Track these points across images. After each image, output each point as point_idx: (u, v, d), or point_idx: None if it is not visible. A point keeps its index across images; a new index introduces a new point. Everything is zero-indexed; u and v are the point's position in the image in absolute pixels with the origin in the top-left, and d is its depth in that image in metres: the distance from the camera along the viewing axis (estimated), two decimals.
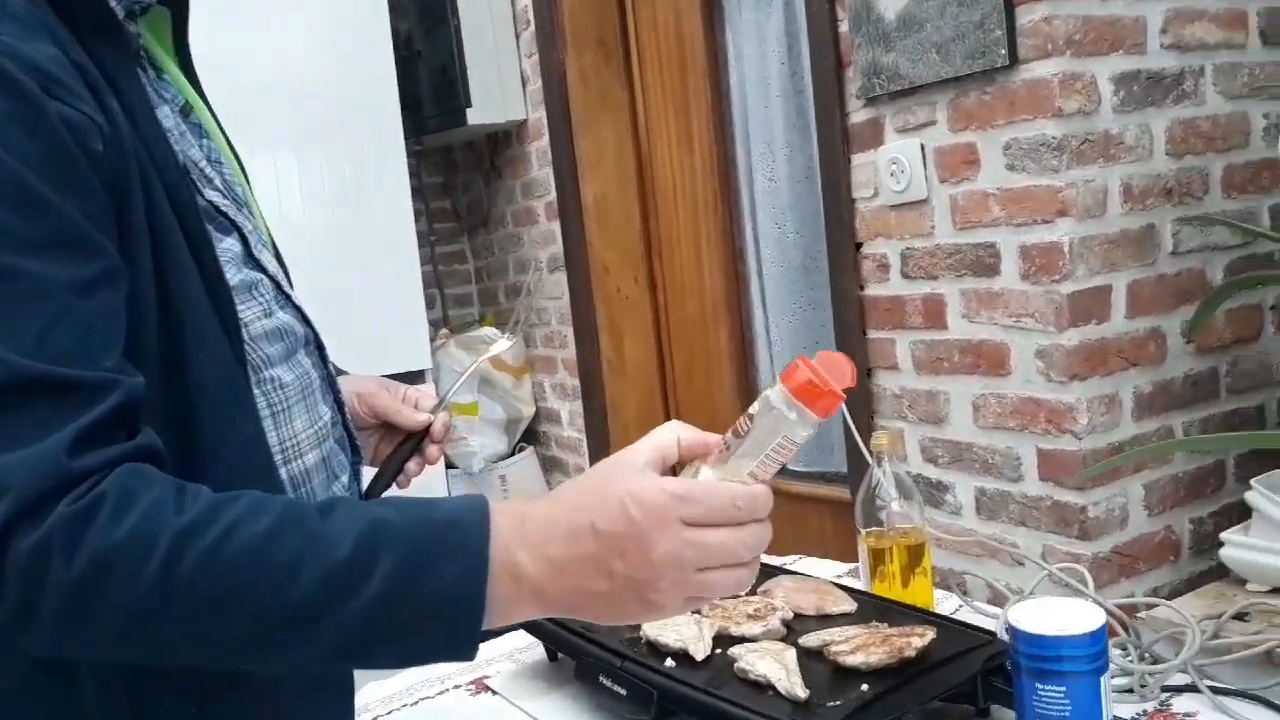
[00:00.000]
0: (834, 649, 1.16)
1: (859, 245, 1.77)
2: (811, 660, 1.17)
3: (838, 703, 1.07)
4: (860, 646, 1.16)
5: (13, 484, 0.57)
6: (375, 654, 0.64)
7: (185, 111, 0.82)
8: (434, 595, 0.61)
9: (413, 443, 1.04)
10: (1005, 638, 1.21)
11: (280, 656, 0.63)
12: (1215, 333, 1.57)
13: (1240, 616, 1.34)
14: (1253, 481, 1.43)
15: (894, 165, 1.65)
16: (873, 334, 1.77)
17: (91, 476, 0.59)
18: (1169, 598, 1.53)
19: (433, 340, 2.86)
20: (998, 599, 1.57)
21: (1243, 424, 1.60)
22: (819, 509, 2.27)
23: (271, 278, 0.82)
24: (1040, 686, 0.90)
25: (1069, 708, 0.89)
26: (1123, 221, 1.46)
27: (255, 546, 0.60)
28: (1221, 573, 1.59)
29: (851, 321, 1.79)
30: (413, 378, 2.42)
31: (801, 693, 1.09)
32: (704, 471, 0.66)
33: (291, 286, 0.89)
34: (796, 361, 0.64)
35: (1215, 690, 1.15)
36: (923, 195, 1.62)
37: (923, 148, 1.60)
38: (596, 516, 0.61)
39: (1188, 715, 1.13)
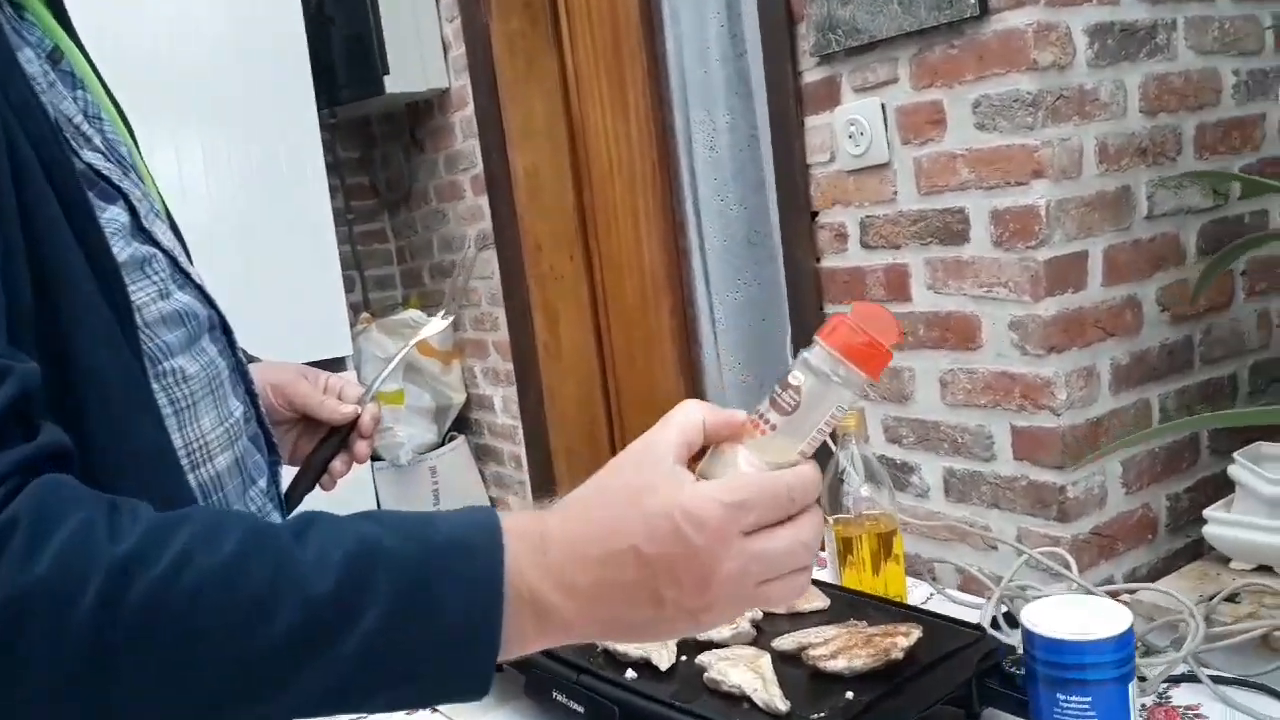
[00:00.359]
0: (813, 653, 1.06)
1: (814, 214, 1.66)
2: (788, 666, 1.07)
3: (822, 714, 0.97)
4: (842, 649, 1.06)
5: None
6: (367, 701, 0.53)
7: (54, 58, 0.69)
8: (439, 634, 0.51)
9: (338, 438, 0.93)
10: (1001, 635, 1.12)
11: (249, 714, 0.52)
12: (1189, 299, 1.50)
13: (1230, 598, 1.28)
14: (1236, 455, 1.36)
15: (852, 127, 1.54)
16: (830, 308, 1.67)
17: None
18: (1148, 579, 1.46)
19: (353, 325, 2.70)
20: (971, 586, 1.48)
21: (1216, 394, 1.54)
22: None
23: (167, 252, 0.71)
24: (1062, 697, 0.80)
25: (1094, 719, 0.79)
26: (1099, 183, 1.38)
27: (216, 579, 0.49)
28: (1197, 550, 1.53)
29: (806, 296, 1.68)
30: (333, 365, 2.25)
31: (781, 705, 0.98)
32: (741, 456, 0.56)
33: (190, 262, 0.77)
34: (837, 319, 0.55)
35: (1217, 680, 1.08)
36: (884, 159, 1.51)
37: (883, 107, 1.50)
38: (640, 539, 0.52)
39: (1189, 708, 1.05)
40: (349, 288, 2.93)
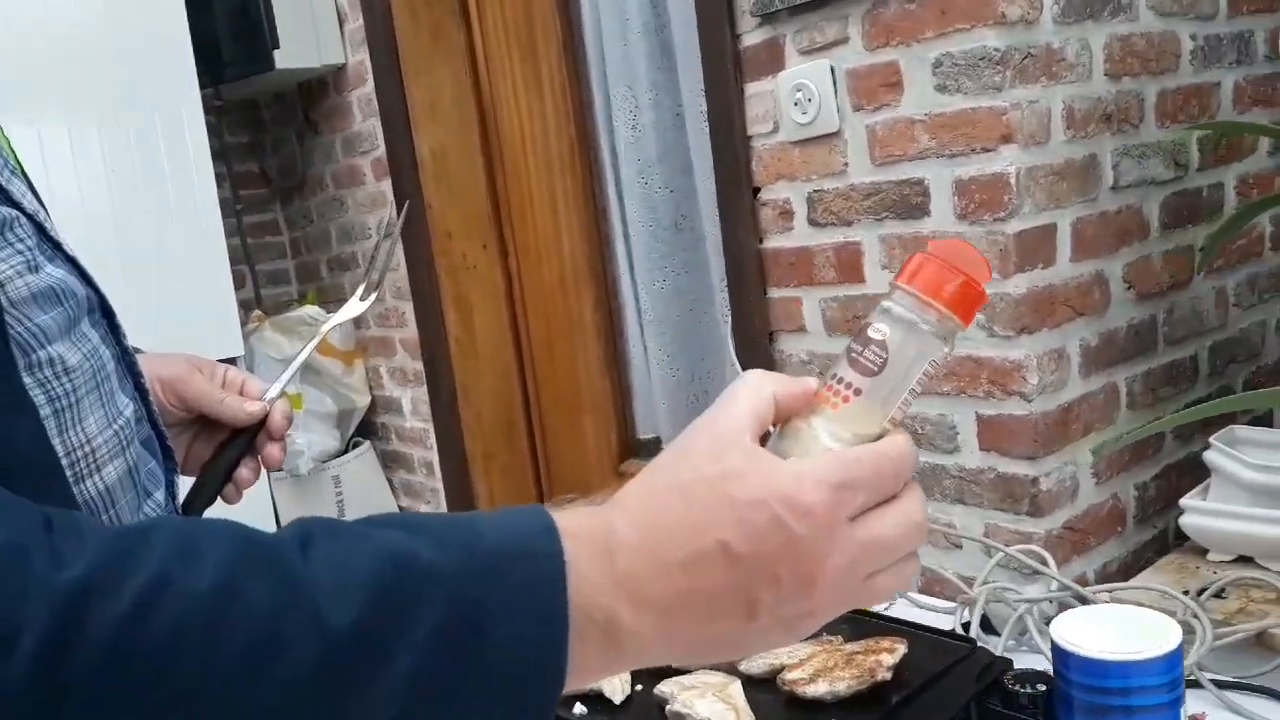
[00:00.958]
0: (789, 676, 0.94)
1: (756, 190, 1.53)
2: (761, 692, 0.94)
3: None
4: (821, 671, 0.94)
5: None
6: None
7: None
8: (489, 672, 0.40)
9: (242, 441, 0.80)
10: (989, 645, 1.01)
11: None
12: (1153, 276, 1.42)
13: (1218, 593, 1.19)
14: (1212, 440, 1.28)
15: (798, 93, 1.42)
16: (775, 293, 1.54)
17: None
18: (1119, 574, 1.37)
19: (244, 324, 2.48)
20: (934, 588, 1.37)
21: (1179, 376, 1.46)
22: None
23: (30, 216, 0.57)
24: None
25: None
26: (1067, 150, 1.28)
27: (200, 613, 0.37)
28: (1164, 542, 1.45)
29: (749, 280, 1.55)
30: None
31: None
32: (822, 430, 0.47)
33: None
34: (919, 257, 0.48)
35: (1220, 685, 0.99)
36: (833, 127, 1.39)
37: (833, 70, 1.38)
38: (731, 535, 0.43)
39: (1194, 717, 0.95)
40: (239, 284, 2.71)
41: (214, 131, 2.58)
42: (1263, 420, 1.57)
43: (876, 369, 0.47)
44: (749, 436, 0.45)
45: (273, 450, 0.81)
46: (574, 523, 0.44)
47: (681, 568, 0.43)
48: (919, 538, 0.46)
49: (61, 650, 0.35)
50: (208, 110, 2.32)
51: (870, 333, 0.47)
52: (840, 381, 0.48)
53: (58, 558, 0.37)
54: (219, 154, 2.70)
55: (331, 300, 2.77)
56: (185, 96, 2.22)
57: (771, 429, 0.48)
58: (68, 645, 0.35)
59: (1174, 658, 0.67)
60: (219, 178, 2.45)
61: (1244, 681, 1.00)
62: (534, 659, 0.41)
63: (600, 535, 0.43)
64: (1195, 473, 1.46)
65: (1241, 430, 1.33)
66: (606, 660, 0.43)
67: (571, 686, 0.42)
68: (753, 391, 0.47)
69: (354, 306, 0.94)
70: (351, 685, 0.38)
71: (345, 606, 0.38)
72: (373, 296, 0.92)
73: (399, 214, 1.04)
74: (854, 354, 0.48)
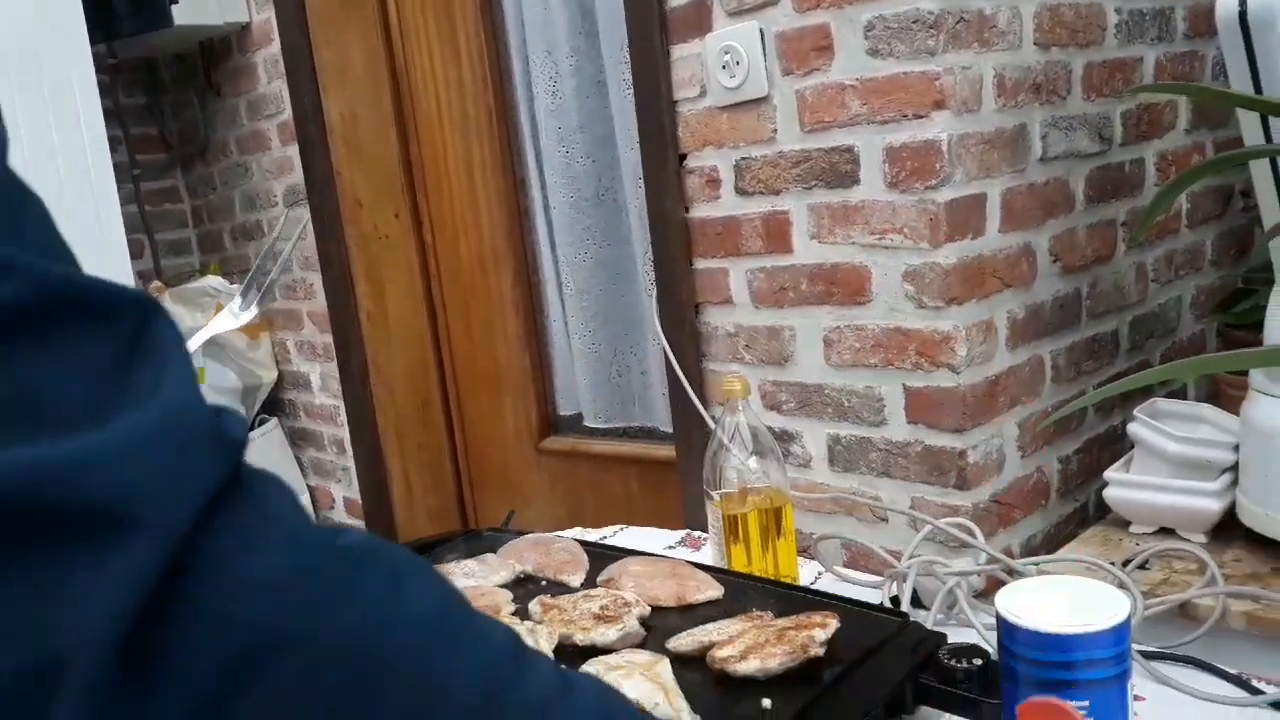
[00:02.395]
0: (719, 654, 0.90)
1: (683, 157, 1.48)
2: (690, 671, 0.91)
3: None
4: (752, 648, 0.91)
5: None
6: None
7: None
8: None
9: None
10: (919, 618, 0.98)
11: None
12: (1078, 249, 1.41)
13: (1141, 565, 1.19)
14: (1136, 412, 1.28)
15: (726, 56, 1.37)
16: (701, 264, 1.50)
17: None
18: (1044, 547, 1.37)
19: None
20: (859, 562, 1.36)
21: (1101, 351, 1.47)
22: (623, 469, 2.00)
23: None
24: None
25: None
26: (997, 119, 1.26)
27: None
28: (1084, 516, 1.46)
29: (675, 250, 1.51)
30: None
31: None
32: None
33: None
34: None
35: (1147, 655, 0.98)
36: (762, 92, 1.35)
37: (762, 33, 1.33)
38: None
39: None
40: (136, 254, 2.58)
41: (107, 92, 2.43)
42: (1177, 395, 1.59)
43: None
44: None
45: None
46: None
47: None
48: None
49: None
50: (100, 69, 2.18)
51: None
52: None
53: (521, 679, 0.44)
54: (113, 116, 2.56)
55: (235, 271, 2.65)
56: (75, 53, 2.07)
57: None
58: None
59: (1122, 629, 0.65)
60: (114, 141, 2.31)
61: (1168, 651, 1.00)
62: None
63: None
64: (1115, 446, 1.48)
65: (1163, 403, 1.34)
66: None
67: None
68: None
69: (225, 320, 0.86)
70: None
71: None
72: (250, 313, 0.85)
73: (297, 225, 0.96)
74: None
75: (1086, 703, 0.65)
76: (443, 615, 0.42)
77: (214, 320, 0.86)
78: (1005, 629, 0.68)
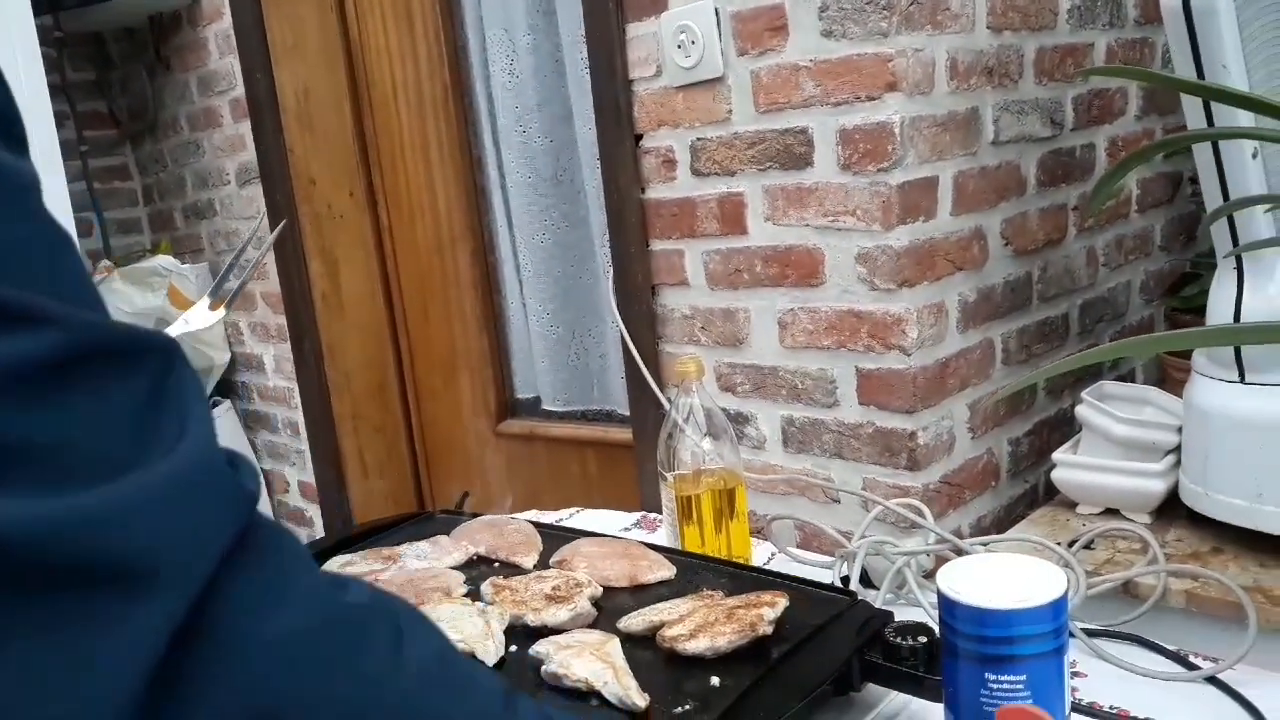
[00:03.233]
0: (669, 633, 0.90)
1: (639, 138, 1.48)
2: (641, 649, 0.91)
3: (688, 707, 0.81)
4: (701, 627, 0.91)
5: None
6: None
7: None
8: None
9: None
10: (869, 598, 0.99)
11: None
12: (1030, 233, 1.43)
13: (1086, 545, 1.21)
14: (1083, 395, 1.30)
15: (682, 35, 1.37)
16: (657, 245, 1.50)
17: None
18: (994, 528, 1.39)
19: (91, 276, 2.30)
20: (811, 543, 1.37)
21: (1051, 334, 1.48)
22: (580, 452, 2.00)
23: None
24: (991, 676, 0.66)
25: (1029, 700, 0.66)
26: (950, 102, 1.26)
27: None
28: (1034, 497, 1.48)
29: (630, 232, 1.50)
30: None
31: (639, 699, 0.83)
32: None
33: None
34: None
35: (1089, 633, 1.00)
36: (718, 72, 1.35)
37: (717, 12, 1.33)
38: None
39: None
40: (85, 232, 2.53)
41: (53, 66, 2.38)
42: (1125, 379, 1.61)
43: None
44: None
45: None
46: None
47: None
48: None
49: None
50: (45, 42, 2.14)
51: None
52: None
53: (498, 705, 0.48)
54: (59, 90, 2.50)
55: (187, 251, 2.60)
56: (17, 23, 2.02)
57: None
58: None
59: (1059, 605, 0.66)
60: (60, 117, 2.26)
61: (1111, 629, 1.02)
62: None
63: None
64: (1064, 429, 1.50)
65: (1110, 385, 1.36)
66: None
67: None
68: None
69: (202, 316, 0.85)
70: None
71: None
72: (222, 311, 0.83)
73: (273, 230, 0.95)
74: None
75: (1024, 677, 0.66)
76: (442, 666, 0.45)
77: (187, 313, 0.84)
78: (946, 605, 0.68)
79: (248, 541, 0.38)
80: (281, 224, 1.03)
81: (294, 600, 0.39)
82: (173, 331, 0.82)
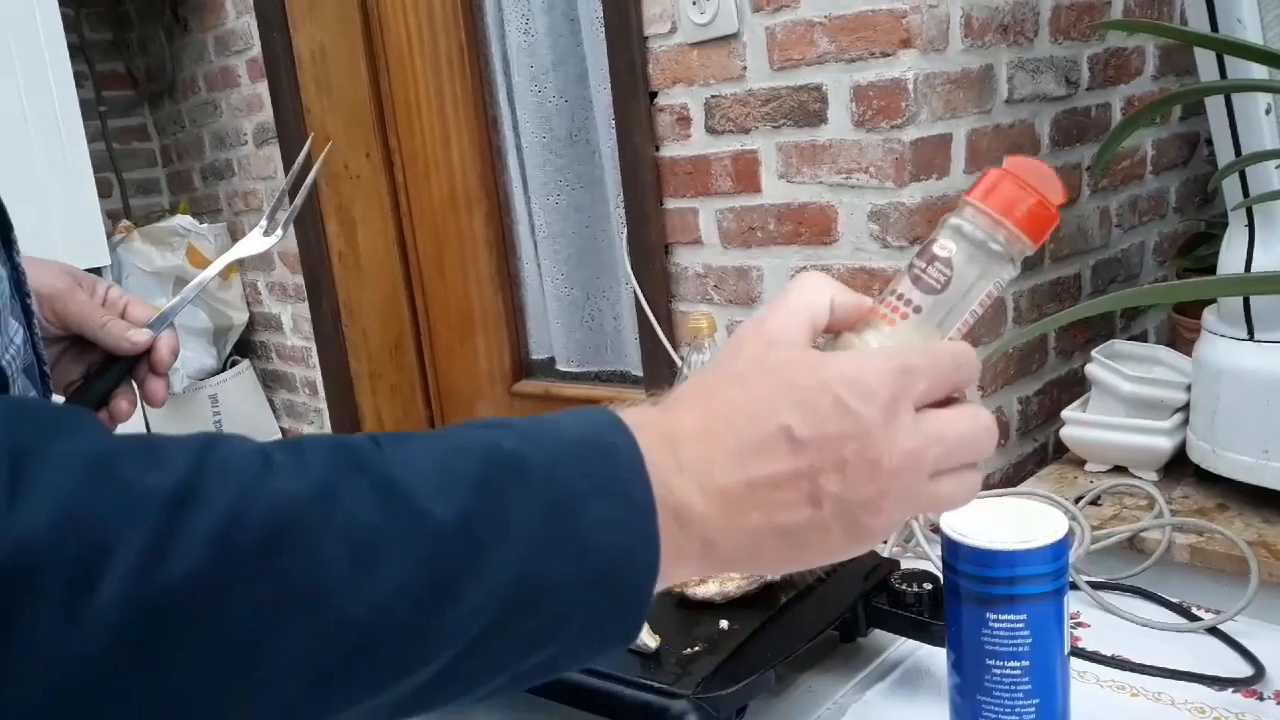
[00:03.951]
0: None
1: (653, 95, 1.48)
2: None
3: (697, 648, 0.83)
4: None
5: None
6: (483, 679, 0.39)
7: None
8: (589, 567, 0.38)
9: (119, 370, 0.72)
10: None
11: (333, 713, 0.36)
12: None
13: (1092, 501, 1.23)
14: (1094, 353, 1.31)
15: None
16: (671, 203, 1.50)
17: None
18: (1002, 484, 1.40)
19: (110, 235, 2.33)
20: None
21: (1063, 293, 1.49)
22: None
23: None
24: (992, 616, 0.68)
25: (1029, 640, 0.68)
26: (964, 59, 1.26)
27: (303, 514, 0.34)
28: (1043, 455, 1.49)
29: (645, 189, 1.51)
30: None
31: (650, 641, 0.85)
32: (872, 344, 0.45)
33: None
34: (993, 174, 0.46)
35: (1095, 585, 1.02)
36: (733, 29, 1.35)
37: None
38: (792, 418, 0.41)
39: (1069, 616, 0.98)
40: (104, 193, 2.55)
41: (72, 26, 2.39)
42: (1138, 339, 1.62)
43: (940, 286, 0.45)
44: (803, 339, 0.44)
45: (156, 386, 0.74)
46: (637, 417, 0.42)
47: (745, 454, 0.41)
48: (987, 442, 0.45)
49: (160, 559, 0.32)
50: (64, 2, 2.14)
51: (935, 249, 0.46)
52: (899, 298, 0.46)
53: (143, 466, 0.33)
54: (78, 50, 2.51)
55: (205, 211, 2.63)
56: None
57: (820, 339, 0.45)
58: (166, 553, 0.32)
59: (1060, 547, 0.68)
60: (79, 77, 2.27)
61: (1116, 582, 1.03)
62: (628, 546, 0.39)
63: (661, 426, 0.41)
64: (1075, 389, 1.50)
65: (1121, 344, 1.36)
66: (682, 553, 0.41)
67: (659, 584, 0.40)
68: (810, 298, 0.45)
69: (256, 242, 0.86)
70: (457, 580, 0.36)
71: (447, 501, 0.36)
72: (278, 235, 0.85)
73: (320, 153, 0.95)
74: (916, 270, 0.46)
75: (1024, 617, 0.68)
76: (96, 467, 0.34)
77: (241, 243, 0.86)
78: (949, 546, 0.70)
79: None
80: (329, 145, 1.03)
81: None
82: (228, 258, 0.85)
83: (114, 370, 0.72)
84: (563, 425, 0.41)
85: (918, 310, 0.46)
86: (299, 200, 0.84)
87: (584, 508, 0.38)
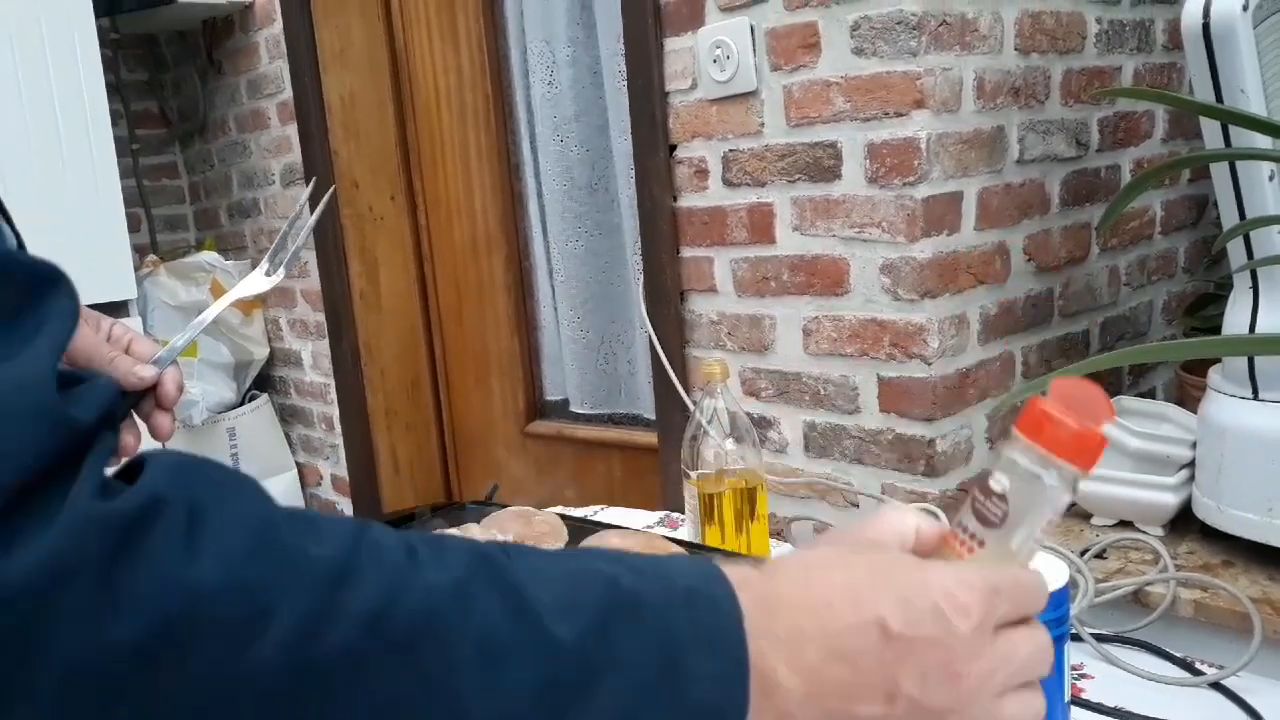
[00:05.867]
0: None
1: (673, 148, 1.52)
2: None
3: None
4: None
5: None
6: None
7: None
8: (686, 701, 0.40)
9: (125, 405, 0.74)
10: None
11: None
12: (1052, 250, 1.46)
13: (1098, 555, 1.24)
14: None
15: (717, 50, 1.42)
16: (687, 252, 1.54)
17: (105, 441, 0.35)
18: None
19: (138, 269, 2.38)
20: None
21: (1071, 349, 1.51)
22: (606, 455, 2.04)
23: None
24: None
25: None
26: (976, 120, 1.30)
27: (445, 607, 0.37)
28: None
29: (662, 238, 1.55)
30: (113, 310, 1.96)
31: None
32: None
33: None
34: (1036, 406, 0.47)
35: (1099, 638, 1.03)
36: (751, 86, 1.39)
37: (752, 29, 1.38)
38: (889, 611, 0.42)
39: (1073, 667, 0.99)
40: (133, 227, 2.60)
41: (110, 66, 2.46)
42: (1147, 396, 1.64)
43: (998, 521, 0.47)
44: (897, 548, 0.47)
45: (162, 420, 0.75)
46: (740, 575, 0.43)
47: (838, 636, 0.42)
48: (1045, 665, 0.46)
49: (316, 630, 0.34)
50: (103, 43, 2.21)
51: (992, 484, 0.47)
52: (965, 531, 0.48)
53: (305, 537, 0.36)
54: (115, 90, 2.58)
55: (231, 248, 2.68)
56: (79, 24, 2.10)
57: None
58: (322, 626, 0.34)
59: (1060, 596, 0.69)
60: (114, 115, 2.33)
61: (1120, 635, 1.04)
62: (721, 698, 0.40)
63: (763, 590, 0.43)
64: None
65: (1128, 400, 1.38)
66: (760, 717, 0.42)
67: None
68: (897, 516, 0.48)
69: (258, 282, 0.89)
70: (568, 701, 0.38)
71: (569, 621, 0.38)
72: (279, 275, 0.88)
73: (319, 197, 0.98)
74: (978, 504, 0.48)
75: None
76: (259, 539, 0.36)
77: (242, 282, 0.89)
78: None
79: (58, 471, 0.33)
80: (330, 190, 1.06)
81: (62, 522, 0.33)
82: (230, 297, 0.87)
83: (121, 405, 0.73)
84: (674, 570, 0.43)
85: (982, 544, 0.47)
86: (299, 242, 0.87)
87: (686, 656, 0.40)
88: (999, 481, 0.47)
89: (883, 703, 0.42)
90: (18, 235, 0.57)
